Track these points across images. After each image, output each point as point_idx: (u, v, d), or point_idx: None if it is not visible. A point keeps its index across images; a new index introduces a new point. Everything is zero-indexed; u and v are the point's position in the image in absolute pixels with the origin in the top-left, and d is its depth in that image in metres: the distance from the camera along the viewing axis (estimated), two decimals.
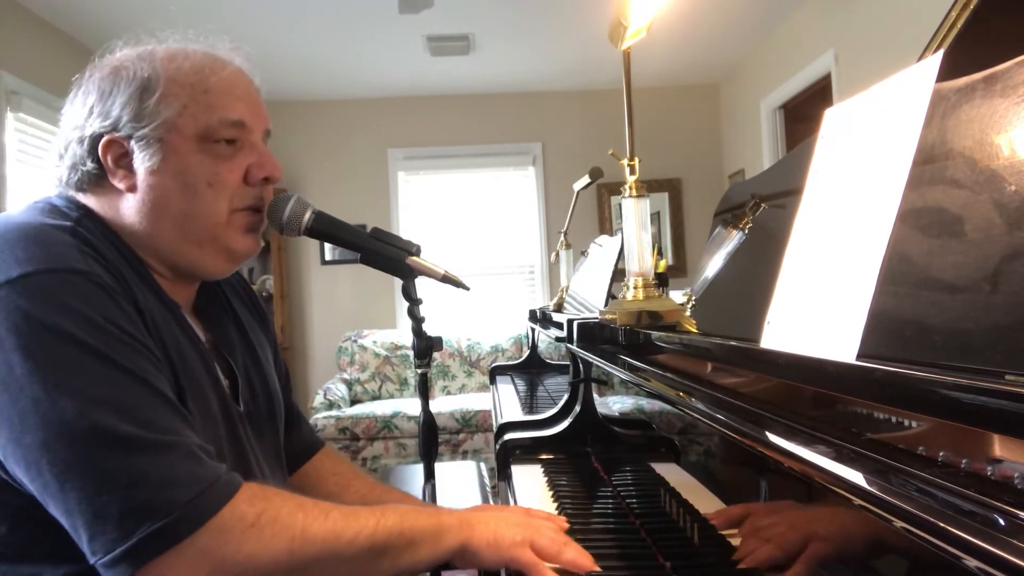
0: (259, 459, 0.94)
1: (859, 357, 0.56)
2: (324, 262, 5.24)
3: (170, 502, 0.69)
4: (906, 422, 0.49)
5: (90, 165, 0.86)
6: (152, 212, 0.86)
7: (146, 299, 0.82)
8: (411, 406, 4.26)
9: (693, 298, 1.14)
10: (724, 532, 0.74)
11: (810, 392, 0.62)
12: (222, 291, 1.02)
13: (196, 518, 0.70)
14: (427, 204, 5.35)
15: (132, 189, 0.86)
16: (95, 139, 0.85)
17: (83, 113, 0.86)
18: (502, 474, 1.33)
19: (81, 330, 0.71)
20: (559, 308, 2.52)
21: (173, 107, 0.85)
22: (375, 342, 4.87)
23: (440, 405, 4.26)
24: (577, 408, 1.34)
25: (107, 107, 0.85)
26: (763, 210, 1.01)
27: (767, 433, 0.59)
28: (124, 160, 0.86)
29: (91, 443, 0.68)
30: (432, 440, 1.14)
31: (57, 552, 0.73)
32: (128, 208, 0.86)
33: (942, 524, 0.36)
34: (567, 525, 0.95)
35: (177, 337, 0.85)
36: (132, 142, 0.85)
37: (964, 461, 0.42)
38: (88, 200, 0.88)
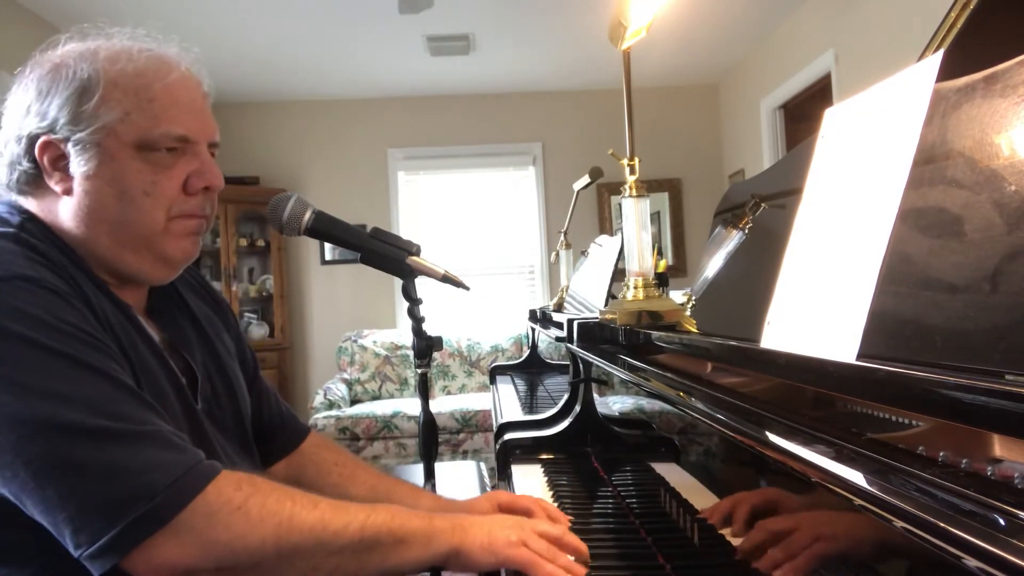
0: (227, 454, 0.93)
1: (859, 357, 0.56)
2: (324, 262, 5.24)
3: (151, 487, 0.69)
4: (906, 422, 0.49)
5: (26, 165, 0.84)
6: (88, 217, 0.84)
7: (98, 299, 0.81)
8: (411, 406, 4.26)
9: (693, 298, 1.14)
10: (723, 532, 0.74)
11: (810, 392, 0.62)
12: (175, 290, 1.00)
13: (179, 500, 0.70)
14: (427, 204, 5.35)
15: (68, 192, 0.84)
16: (32, 139, 0.83)
17: (21, 111, 0.84)
18: (502, 474, 1.33)
19: (39, 334, 0.71)
20: (559, 308, 2.52)
21: (114, 112, 0.82)
22: (375, 342, 4.87)
23: (440, 405, 4.26)
24: (577, 408, 1.34)
25: (44, 107, 0.83)
26: (763, 210, 1.01)
27: (767, 433, 0.59)
28: (61, 163, 0.84)
29: (65, 439, 0.69)
30: (432, 440, 1.14)
31: (29, 553, 0.74)
32: (65, 212, 0.85)
33: (942, 524, 0.36)
34: (567, 524, 0.95)
35: (132, 336, 0.84)
36: (69, 145, 0.83)
37: (964, 461, 0.41)
38: (27, 202, 0.86)
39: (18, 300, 0.72)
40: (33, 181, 0.85)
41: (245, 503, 0.73)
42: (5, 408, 0.69)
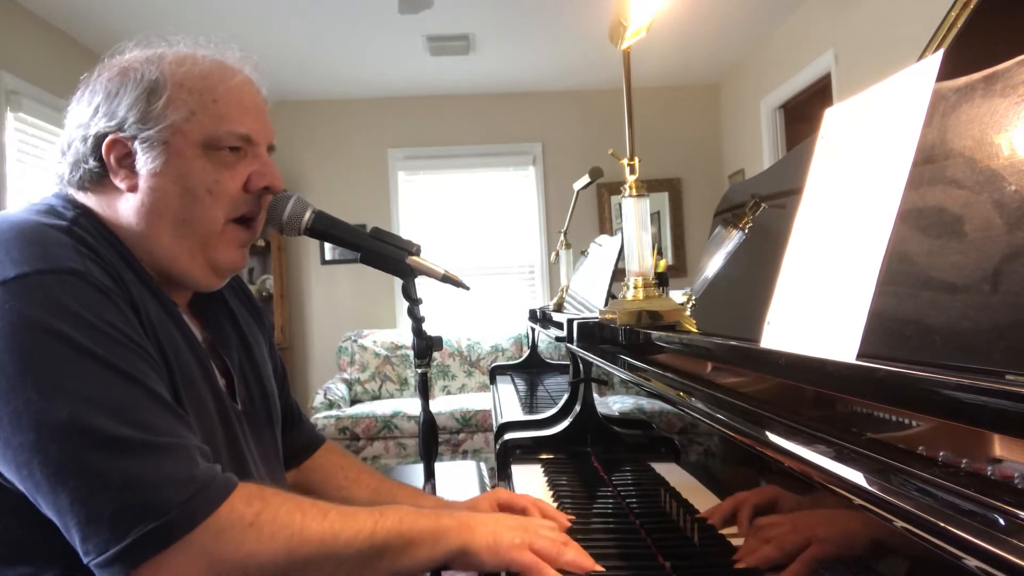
0: (256, 459, 0.94)
1: (859, 357, 0.56)
2: (324, 262, 5.24)
3: (165, 502, 0.69)
4: (906, 422, 0.49)
5: (92, 163, 0.86)
6: (150, 214, 0.86)
7: (143, 298, 0.82)
8: (411, 406, 4.26)
9: (693, 298, 1.14)
10: (723, 532, 0.74)
11: (810, 392, 0.62)
12: (218, 290, 1.02)
13: (191, 518, 0.70)
14: (427, 204, 5.35)
15: (133, 189, 0.86)
16: (99, 138, 0.85)
17: (88, 112, 0.87)
18: (502, 474, 1.33)
19: (77, 331, 0.71)
20: (559, 308, 2.52)
21: (180, 112, 0.85)
22: (375, 342, 4.87)
23: (440, 405, 4.26)
24: (577, 408, 1.34)
25: (113, 107, 0.85)
26: (763, 210, 1.01)
27: (767, 433, 0.59)
28: (127, 160, 0.86)
29: (84, 444, 0.68)
30: (432, 440, 1.14)
31: (51, 552, 0.73)
32: (127, 208, 0.86)
33: (942, 524, 0.36)
34: (568, 523, 0.95)
35: (174, 336, 0.84)
36: (136, 143, 0.85)
37: (964, 461, 0.41)
38: (87, 199, 0.88)
39: (62, 294, 0.72)
40: (97, 179, 0.87)
41: (257, 519, 0.73)
42: (31, 406, 0.68)
